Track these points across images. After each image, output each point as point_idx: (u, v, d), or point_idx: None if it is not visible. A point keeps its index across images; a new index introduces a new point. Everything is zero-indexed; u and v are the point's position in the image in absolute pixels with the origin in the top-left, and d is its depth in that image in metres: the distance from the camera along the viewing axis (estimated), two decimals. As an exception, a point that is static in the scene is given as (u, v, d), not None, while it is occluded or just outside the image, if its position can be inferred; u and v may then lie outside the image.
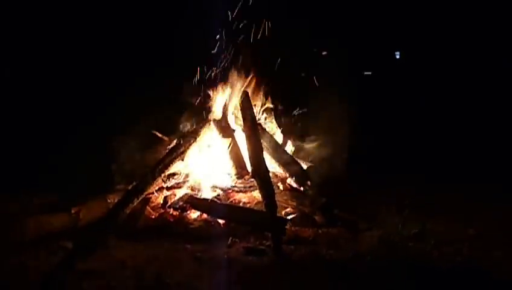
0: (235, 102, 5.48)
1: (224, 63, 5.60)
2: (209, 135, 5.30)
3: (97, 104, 6.89)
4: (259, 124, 5.47)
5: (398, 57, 9.85)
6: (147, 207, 4.76)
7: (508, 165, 6.30)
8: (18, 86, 7.22)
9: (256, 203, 4.77)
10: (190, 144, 5.08)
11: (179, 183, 5.05)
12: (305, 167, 5.28)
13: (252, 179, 4.74)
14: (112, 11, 7.18)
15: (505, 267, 3.60)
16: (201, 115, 5.42)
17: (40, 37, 7.29)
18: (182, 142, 5.09)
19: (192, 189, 4.99)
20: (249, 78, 5.55)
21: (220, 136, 5.17)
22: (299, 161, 5.30)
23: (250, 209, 4.65)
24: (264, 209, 4.32)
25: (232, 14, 5.65)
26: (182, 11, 6.84)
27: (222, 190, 4.93)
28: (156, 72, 6.55)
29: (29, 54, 7.25)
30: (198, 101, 5.54)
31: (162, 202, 4.89)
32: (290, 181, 5.10)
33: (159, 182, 4.88)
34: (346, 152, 5.60)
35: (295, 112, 5.98)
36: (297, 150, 5.68)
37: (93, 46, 7.24)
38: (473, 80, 8.40)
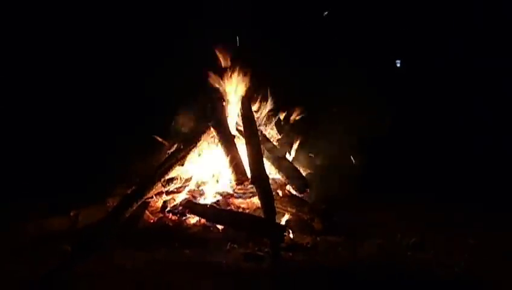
0: (236, 107, 5.49)
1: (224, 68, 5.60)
2: (209, 140, 5.31)
3: (99, 106, 6.90)
4: (260, 130, 5.48)
5: (398, 65, 9.82)
6: (146, 211, 4.76)
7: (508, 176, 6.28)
8: (17, 86, 7.21)
9: (255, 210, 4.77)
10: (190, 149, 5.09)
11: (178, 188, 5.06)
12: (304, 173, 5.29)
13: (252, 185, 4.74)
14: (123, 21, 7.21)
15: (504, 278, 3.59)
16: (202, 119, 5.41)
17: (45, 41, 7.30)
18: (182, 147, 5.10)
19: (192, 194, 4.99)
20: (248, 83, 5.56)
21: (220, 141, 5.17)
22: (298, 167, 5.30)
23: (249, 215, 4.65)
24: (263, 216, 4.32)
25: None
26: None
27: (221, 195, 4.93)
28: (161, 75, 6.56)
29: (29, 55, 7.24)
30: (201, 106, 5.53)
31: (161, 206, 4.89)
32: (289, 188, 5.11)
33: (158, 187, 4.89)
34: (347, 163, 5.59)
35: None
36: (297, 157, 5.68)
37: (97, 46, 7.24)
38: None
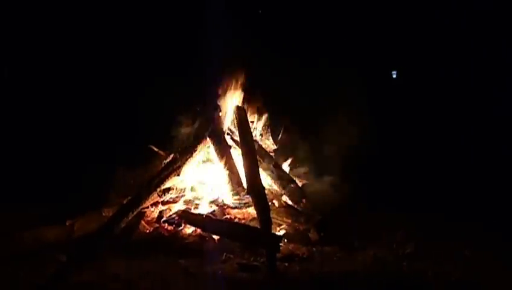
0: (232, 118, 5.51)
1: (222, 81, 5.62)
2: (206, 150, 5.32)
3: (96, 115, 6.91)
4: (256, 141, 5.49)
5: (395, 76, 9.84)
6: (142, 221, 4.75)
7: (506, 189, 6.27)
8: (15, 97, 7.24)
9: (251, 220, 4.76)
10: (186, 159, 5.10)
11: (174, 198, 5.05)
12: (300, 184, 5.30)
13: (248, 196, 4.74)
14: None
15: (499, 289, 3.60)
16: (199, 130, 5.42)
17: (45, 40, 7.34)
18: (178, 157, 5.10)
19: (188, 204, 4.99)
20: (244, 94, 5.58)
21: (217, 152, 5.18)
22: (294, 178, 5.31)
23: (244, 226, 4.65)
24: (259, 226, 4.33)
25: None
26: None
27: (217, 205, 4.93)
28: (160, 85, 6.58)
29: (29, 54, 7.28)
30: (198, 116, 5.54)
31: (156, 216, 4.88)
32: (286, 198, 5.11)
33: (154, 197, 4.89)
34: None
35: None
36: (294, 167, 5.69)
37: (98, 54, 7.28)
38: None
